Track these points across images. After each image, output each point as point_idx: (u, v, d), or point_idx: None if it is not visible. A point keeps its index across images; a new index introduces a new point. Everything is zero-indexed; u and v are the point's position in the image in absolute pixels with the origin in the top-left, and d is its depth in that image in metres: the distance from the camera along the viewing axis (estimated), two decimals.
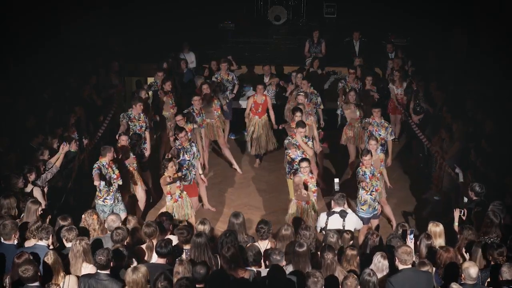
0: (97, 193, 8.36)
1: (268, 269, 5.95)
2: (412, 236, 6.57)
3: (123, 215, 8.09)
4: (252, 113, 10.93)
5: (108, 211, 8.23)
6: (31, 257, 5.77)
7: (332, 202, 7.64)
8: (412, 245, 6.47)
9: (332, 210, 7.55)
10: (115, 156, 8.58)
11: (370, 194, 8.32)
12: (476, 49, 13.00)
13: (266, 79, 12.67)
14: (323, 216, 7.55)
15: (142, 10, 14.96)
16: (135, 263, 6.25)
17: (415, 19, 14.49)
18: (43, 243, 6.31)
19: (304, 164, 8.29)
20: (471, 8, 13.39)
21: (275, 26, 16.84)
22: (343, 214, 7.42)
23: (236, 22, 16.32)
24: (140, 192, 9.31)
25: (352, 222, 7.51)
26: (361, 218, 8.07)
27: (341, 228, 7.30)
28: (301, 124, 9.14)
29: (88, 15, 13.71)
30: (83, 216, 7.05)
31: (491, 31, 12.58)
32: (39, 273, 5.47)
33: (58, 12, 13.37)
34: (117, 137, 9.35)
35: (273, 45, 15.96)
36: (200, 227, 6.81)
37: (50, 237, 6.38)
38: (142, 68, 13.74)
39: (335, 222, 7.39)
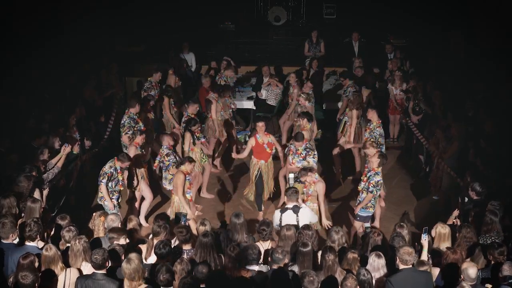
0: (100, 194, 8.41)
1: (270, 270, 5.96)
2: (425, 235, 6.52)
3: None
4: (255, 156, 9.42)
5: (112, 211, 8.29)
6: (36, 259, 5.77)
7: (285, 198, 7.67)
8: (426, 245, 6.46)
9: (286, 206, 7.58)
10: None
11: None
12: (476, 49, 13.03)
13: (265, 79, 12.71)
14: (277, 213, 7.59)
15: (143, 10, 14.99)
16: None
17: (414, 20, 14.52)
18: (34, 243, 6.30)
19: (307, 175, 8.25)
20: (470, 9, 13.42)
21: (275, 26, 16.85)
22: (295, 210, 7.45)
23: (236, 23, 16.35)
24: (145, 190, 9.33)
25: (306, 216, 7.52)
26: (360, 216, 8.31)
27: (296, 223, 7.32)
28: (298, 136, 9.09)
29: (88, 15, 13.73)
30: (93, 214, 7.11)
31: (490, 31, 12.61)
32: (37, 283, 5.46)
33: (60, 12, 13.41)
34: (123, 134, 9.43)
35: (273, 45, 15.99)
36: (201, 228, 6.82)
37: (38, 236, 6.35)
38: (143, 68, 13.76)
39: (289, 218, 7.42)
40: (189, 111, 10.24)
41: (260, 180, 9.36)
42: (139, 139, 9.22)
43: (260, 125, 9.25)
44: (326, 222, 8.21)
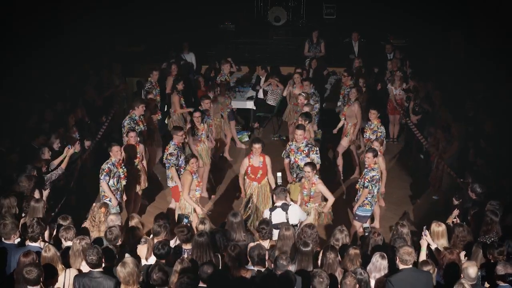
0: (102, 193, 8.35)
1: (276, 273, 5.92)
2: (424, 235, 6.55)
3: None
4: (249, 178, 8.78)
5: (114, 210, 8.23)
6: (37, 257, 5.77)
7: (274, 196, 7.67)
8: (425, 244, 6.48)
9: (275, 205, 7.58)
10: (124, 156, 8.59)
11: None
12: (476, 49, 13.04)
13: (263, 79, 12.71)
14: (266, 212, 7.60)
15: (143, 10, 15.00)
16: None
17: (414, 20, 14.53)
18: (36, 244, 6.29)
19: (307, 168, 8.15)
20: (470, 9, 13.44)
21: (275, 27, 16.86)
22: (285, 207, 7.46)
23: (236, 23, 16.36)
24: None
25: (295, 214, 7.54)
26: (358, 216, 8.34)
27: (285, 221, 7.33)
28: (301, 126, 9.04)
29: (88, 15, 13.75)
30: (93, 205, 7.11)
31: (490, 31, 12.62)
32: (41, 278, 5.46)
33: (60, 12, 13.44)
34: (124, 135, 9.36)
35: (273, 45, 16.00)
36: (201, 227, 6.82)
37: (40, 237, 6.34)
38: (143, 68, 13.78)
39: (278, 216, 7.42)
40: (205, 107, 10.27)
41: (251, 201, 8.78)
42: (130, 140, 8.98)
43: (257, 147, 8.61)
44: (326, 210, 8.25)
